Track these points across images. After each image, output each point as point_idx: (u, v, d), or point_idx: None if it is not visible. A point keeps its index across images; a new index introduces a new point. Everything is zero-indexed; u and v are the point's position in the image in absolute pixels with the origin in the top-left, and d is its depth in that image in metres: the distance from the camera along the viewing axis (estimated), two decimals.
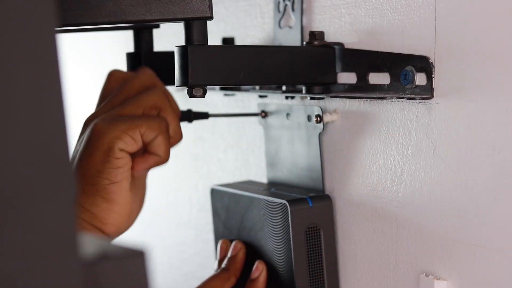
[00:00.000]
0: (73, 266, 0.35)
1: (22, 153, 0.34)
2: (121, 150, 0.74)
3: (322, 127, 0.83)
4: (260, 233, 0.84)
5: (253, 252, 0.86)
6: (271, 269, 0.83)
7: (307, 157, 0.85)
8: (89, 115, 0.79)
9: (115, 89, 0.79)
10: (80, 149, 0.75)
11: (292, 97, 0.88)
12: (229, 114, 0.94)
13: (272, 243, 0.83)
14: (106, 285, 0.36)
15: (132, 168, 0.75)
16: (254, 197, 0.85)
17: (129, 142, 0.74)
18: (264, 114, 0.91)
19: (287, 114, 0.87)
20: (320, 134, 0.83)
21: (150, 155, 0.76)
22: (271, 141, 0.91)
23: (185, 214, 1.12)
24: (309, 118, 0.84)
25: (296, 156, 0.87)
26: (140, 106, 0.76)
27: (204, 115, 0.88)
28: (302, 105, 0.85)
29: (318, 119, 0.82)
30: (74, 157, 0.77)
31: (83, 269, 0.35)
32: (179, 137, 0.79)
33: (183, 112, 0.86)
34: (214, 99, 1.02)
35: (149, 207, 1.16)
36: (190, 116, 0.87)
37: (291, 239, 0.80)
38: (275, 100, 0.91)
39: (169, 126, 0.77)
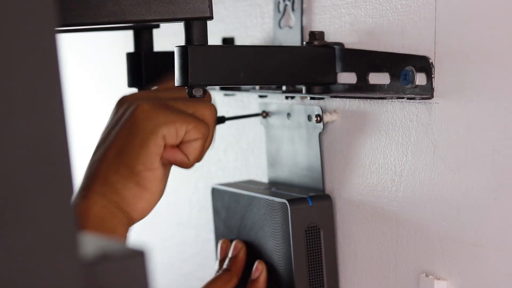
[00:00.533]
0: (73, 266, 0.35)
1: (22, 153, 0.34)
2: (163, 137, 0.72)
3: (322, 126, 0.83)
4: (260, 232, 0.84)
5: (253, 252, 0.86)
6: (271, 269, 0.83)
7: (307, 157, 0.85)
8: (128, 94, 0.77)
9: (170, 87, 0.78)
10: (118, 127, 0.74)
11: (292, 97, 0.88)
12: (238, 116, 0.92)
13: (272, 242, 0.83)
14: (106, 285, 0.36)
15: None
16: (254, 196, 0.85)
17: (173, 133, 0.72)
18: (265, 114, 0.91)
19: (288, 114, 0.87)
20: (320, 134, 0.83)
21: (179, 151, 0.74)
22: (272, 141, 0.91)
23: (185, 214, 1.12)
24: (309, 118, 0.84)
25: (297, 156, 0.87)
26: (191, 108, 0.75)
27: (221, 120, 0.86)
28: (302, 105, 0.85)
29: (318, 118, 0.83)
30: (106, 133, 0.75)
31: (83, 269, 0.35)
32: (202, 157, 0.77)
33: None
34: (214, 99, 1.02)
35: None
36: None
37: (291, 239, 0.80)
38: (276, 100, 0.91)
39: (208, 138, 0.76)
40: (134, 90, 0.90)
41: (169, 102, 0.74)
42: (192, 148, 0.74)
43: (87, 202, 0.71)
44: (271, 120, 0.90)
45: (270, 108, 0.91)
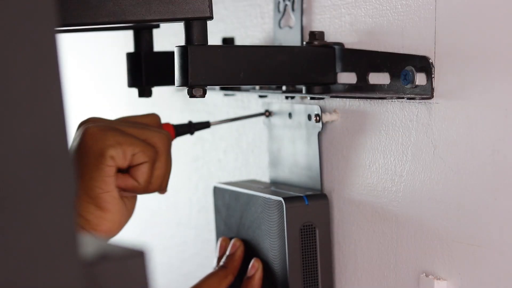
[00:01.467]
0: (73, 266, 0.35)
1: (22, 153, 0.34)
2: (112, 158, 0.74)
3: (321, 126, 0.83)
4: (257, 230, 0.85)
5: (251, 250, 0.86)
6: (267, 267, 0.84)
7: (306, 157, 0.86)
8: (86, 118, 0.79)
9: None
10: (72, 152, 0.75)
11: (292, 97, 0.88)
12: (230, 119, 0.94)
13: (268, 240, 0.83)
14: (106, 285, 0.36)
15: None
16: (253, 195, 0.85)
17: (120, 154, 0.74)
18: (268, 113, 0.91)
19: (289, 114, 0.88)
20: (319, 134, 0.83)
21: (129, 177, 0.76)
22: (274, 141, 0.91)
23: (185, 214, 1.12)
24: (309, 117, 0.84)
25: (297, 156, 0.87)
26: (143, 135, 0.77)
27: (205, 125, 0.88)
28: (303, 105, 0.85)
29: (317, 118, 0.83)
30: None
31: (83, 269, 0.35)
32: (159, 185, 0.79)
33: (183, 125, 0.86)
34: (214, 99, 1.02)
35: (149, 207, 1.16)
36: (191, 127, 0.87)
37: (286, 236, 0.80)
38: (278, 99, 0.91)
39: (157, 163, 0.77)
40: (134, 90, 0.90)
41: (119, 126, 0.76)
42: (140, 172, 0.76)
43: None
44: (273, 119, 0.91)
45: (272, 108, 0.91)
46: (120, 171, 0.77)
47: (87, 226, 0.75)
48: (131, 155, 0.75)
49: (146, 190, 0.78)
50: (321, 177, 0.84)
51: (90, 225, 0.75)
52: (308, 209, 0.81)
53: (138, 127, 0.77)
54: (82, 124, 0.78)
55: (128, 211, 0.79)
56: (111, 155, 0.74)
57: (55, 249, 0.34)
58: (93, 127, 0.75)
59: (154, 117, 0.82)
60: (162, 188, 0.79)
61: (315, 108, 0.83)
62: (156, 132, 0.78)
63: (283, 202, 0.80)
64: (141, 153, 0.75)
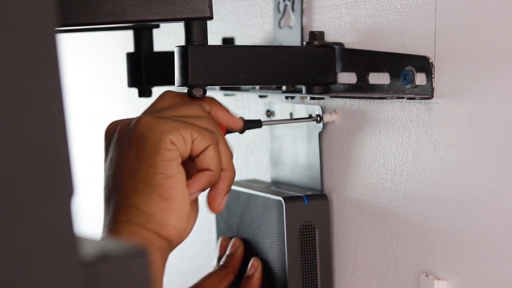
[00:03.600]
0: (73, 266, 0.35)
1: (22, 153, 0.34)
2: (172, 142, 0.67)
3: (322, 126, 0.83)
4: (257, 230, 0.85)
5: (251, 249, 0.86)
6: (266, 266, 0.84)
7: (307, 156, 0.86)
8: (113, 121, 0.72)
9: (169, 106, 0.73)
10: (123, 149, 0.69)
11: (292, 97, 0.88)
12: (284, 120, 0.88)
13: (267, 240, 0.83)
14: (106, 285, 0.36)
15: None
16: (253, 194, 0.85)
17: (180, 138, 0.67)
18: (269, 113, 0.91)
19: (291, 114, 0.88)
20: (320, 134, 0.83)
21: (201, 173, 0.69)
22: (276, 141, 0.91)
23: None
24: (310, 117, 0.84)
25: (297, 156, 0.87)
26: (192, 121, 0.70)
27: (257, 123, 0.79)
28: (304, 105, 0.85)
29: (318, 118, 0.83)
30: (113, 161, 0.70)
31: (83, 269, 0.35)
32: (229, 167, 0.71)
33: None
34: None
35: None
36: (244, 125, 0.78)
37: (285, 236, 0.80)
38: (279, 99, 0.91)
39: (220, 145, 0.70)
40: (134, 90, 0.90)
41: (168, 114, 0.70)
42: (208, 157, 0.68)
43: (113, 234, 0.66)
44: (275, 119, 0.91)
45: (274, 108, 0.91)
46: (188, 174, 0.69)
47: (152, 223, 0.66)
48: (190, 140, 0.67)
49: (221, 176, 0.70)
50: (321, 177, 0.84)
51: (155, 221, 0.66)
52: (307, 209, 0.81)
53: (187, 118, 0.70)
54: (110, 128, 0.71)
55: (196, 205, 0.72)
56: (170, 139, 0.66)
57: (55, 249, 0.34)
58: (144, 117, 0.68)
59: (200, 109, 0.74)
60: (234, 173, 0.72)
61: (316, 108, 0.83)
62: (203, 119, 0.71)
63: (283, 201, 0.80)
64: (200, 137, 0.67)
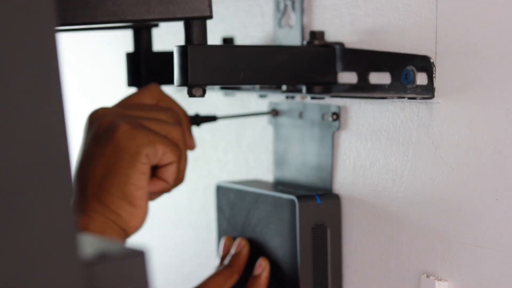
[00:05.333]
0: (73, 266, 0.34)
1: (22, 153, 0.34)
2: (147, 156, 0.76)
3: (338, 125, 0.82)
4: (265, 229, 0.84)
5: (256, 249, 0.86)
6: (275, 266, 0.84)
7: (317, 156, 0.85)
8: (99, 108, 0.80)
9: (147, 104, 0.82)
10: (100, 146, 0.77)
11: (292, 97, 0.88)
12: (237, 115, 0.94)
13: (277, 239, 0.83)
14: (106, 285, 0.36)
15: None
16: (262, 194, 0.85)
17: (154, 152, 0.76)
18: (275, 113, 0.91)
19: (300, 113, 0.87)
20: (334, 133, 0.83)
21: (158, 180, 0.79)
22: (281, 140, 0.91)
23: (185, 214, 1.12)
24: (323, 116, 0.84)
25: (306, 156, 0.87)
26: (163, 130, 0.79)
27: (211, 118, 0.89)
28: (317, 104, 0.85)
29: (335, 116, 0.82)
30: (87, 149, 0.78)
31: (83, 269, 0.35)
32: (182, 178, 0.82)
33: (190, 117, 0.87)
34: (214, 99, 1.02)
35: (149, 207, 1.16)
36: (198, 120, 0.88)
37: (298, 236, 0.80)
38: (288, 99, 0.91)
39: (181, 160, 0.80)
40: (133, 89, 0.90)
41: (143, 122, 0.78)
42: (170, 172, 0.79)
43: (86, 219, 0.76)
44: (281, 119, 0.90)
45: (281, 107, 0.90)
46: None
47: (121, 222, 0.76)
48: (162, 153, 0.77)
49: (173, 187, 0.81)
50: (332, 177, 0.84)
51: (121, 221, 0.76)
52: (320, 208, 0.81)
53: (157, 122, 0.79)
54: (95, 115, 0.79)
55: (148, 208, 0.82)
56: (146, 153, 0.76)
57: (55, 249, 0.34)
58: (123, 124, 0.76)
59: (178, 108, 0.84)
60: (182, 180, 0.83)
61: (331, 107, 0.83)
62: (174, 127, 0.80)
63: (296, 201, 0.80)
64: (171, 152, 0.77)
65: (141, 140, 0.76)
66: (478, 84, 0.67)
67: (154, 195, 0.82)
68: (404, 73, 0.72)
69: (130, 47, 0.91)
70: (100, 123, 0.78)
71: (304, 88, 0.81)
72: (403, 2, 0.74)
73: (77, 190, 0.78)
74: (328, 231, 0.81)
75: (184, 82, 0.72)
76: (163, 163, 0.78)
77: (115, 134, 0.76)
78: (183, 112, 0.85)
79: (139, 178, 0.76)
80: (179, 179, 0.81)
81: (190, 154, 1.09)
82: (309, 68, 0.79)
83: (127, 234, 0.78)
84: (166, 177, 0.79)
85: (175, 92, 1.10)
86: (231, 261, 0.86)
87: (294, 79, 0.79)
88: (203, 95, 0.73)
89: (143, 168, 0.76)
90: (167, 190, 0.81)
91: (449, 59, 0.69)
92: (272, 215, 0.83)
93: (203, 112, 0.95)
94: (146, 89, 0.83)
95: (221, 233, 0.92)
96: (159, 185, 0.79)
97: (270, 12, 0.91)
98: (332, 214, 0.82)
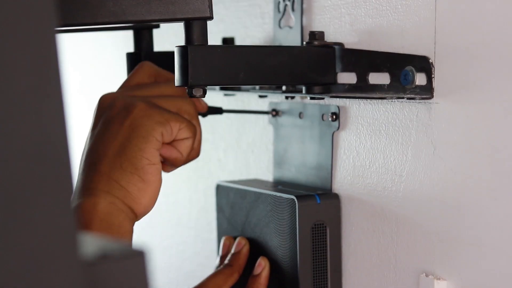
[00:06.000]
0: (73, 266, 0.35)
1: (22, 153, 0.34)
2: (161, 134, 0.77)
3: (337, 125, 0.82)
4: (265, 229, 0.85)
5: (256, 249, 0.86)
6: (275, 265, 0.84)
7: (317, 156, 0.85)
8: (106, 93, 0.80)
9: (148, 83, 0.83)
10: (115, 125, 0.77)
11: (292, 97, 0.88)
12: (242, 110, 0.95)
13: (277, 239, 0.83)
14: (106, 285, 0.36)
15: None
16: (261, 193, 0.85)
17: (169, 131, 0.77)
18: (275, 113, 0.91)
19: (300, 113, 0.87)
20: (334, 133, 0.83)
21: (174, 148, 0.79)
22: (281, 140, 0.91)
23: (185, 214, 1.12)
24: (323, 116, 0.84)
25: (306, 155, 0.87)
26: (175, 106, 0.79)
27: (218, 110, 0.90)
28: (317, 104, 0.85)
29: (334, 117, 0.82)
30: (99, 132, 0.78)
31: (83, 269, 0.35)
32: (198, 152, 0.83)
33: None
34: (214, 99, 1.02)
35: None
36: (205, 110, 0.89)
37: (297, 235, 0.80)
38: (288, 99, 0.91)
39: (197, 136, 0.81)
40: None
41: (156, 101, 0.79)
42: (185, 146, 0.79)
43: (94, 200, 0.74)
44: (281, 119, 0.90)
45: (281, 107, 0.90)
46: None
47: (129, 198, 0.75)
48: (177, 130, 0.78)
49: (186, 161, 0.81)
50: (331, 177, 0.84)
51: (131, 198, 0.76)
52: (319, 208, 0.81)
53: (168, 99, 0.80)
54: (105, 101, 0.80)
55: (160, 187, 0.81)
56: (161, 131, 0.76)
57: (55, 249, 0.34)
58: (140, 103, 0.77)
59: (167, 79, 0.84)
60: (198, 155, 0.84)
61: (331, 107, 0.83)
62: (184, 100, 0.81)
63: (295, 200, 0.80)
64: (185, 128, 0.78)
65: (157, 118, 0.76)
66: (477, 84, 0.67)
67: (167, 167, 0.81)
68: (403, 73, 0.72)
69: (130, 47, 0.91)
70: (113, 106, 0.78)
71: (304, 88, 0.81)
72: (402, 3, 0.74)
73: (86, 172, 0.77)
74: (328, 230, 0.81)
75: (184, 82, 0.73)
76: (179, 138, 0.78)
77: (131, 113, 0.76)
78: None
79: (153, 153, 0.76)
80: (194, 153, 0.82)
81: None
82: (308, 68, 0.79)
83: (135, 214, 0.77)
84: (181, 149, 0.79)
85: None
86: (231, 260, 0.86)
87: (293, 80, 0.80)
88: (203, 95, 0.73)
89: (158, 144, 0.76)
90: (179, 162, 0.80)
91: (448, 59, 0.70)
92: (272, 215, 0.83)
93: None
94: (140, 69, 0.83)
95: (221, 232, 0.92)
96: (174, 153, 0.79)
97: (270, 13, 0.91)
98: (331, 214, 0.82)
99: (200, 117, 0.88)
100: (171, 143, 0.79)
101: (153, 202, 0.78)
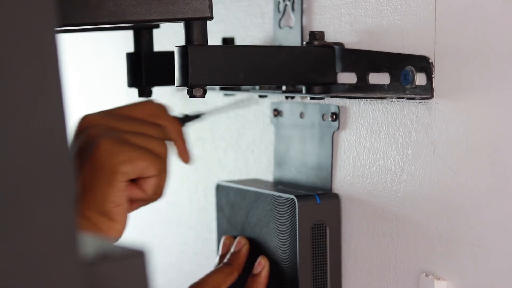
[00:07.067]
0: (73, 266, 0.35)
1: (22, 153, 0.34)
2: (125, 174, 0.75)
3: (337, 125, 0.82)
4: (265, 228, 0.85)
5: (256, 248, 0.86)
6: (274, 265, 0.84)
7: (317, 156, 0.85)
8: (87, 115, 0.79)
9: (138, 118, 0.81)
10: (80, 160, 0.76)
11: (292, 97, 0.88)
12: (221, 108, 0.94)
13: (277, 238, 0.83)
14: (106, 285, 0.36)
15: None
16: (261, 193, 0.85)
17: (133, 169, 0.76)
18: (276, 112, 0.91)
19: (301, 113, 0.87)
20: (334, 133, 0.83)
21: (137, 188, 0.78)
22: (282, 140, 0.91)
23: (185, 214, 1.12)
24: (323, 116, 0.84)
25: (306, 155, 0.87)
26: (148, 144, 0.78)
27: (196, 116, 0.88)
28: (317, 104, 0.85)
29: (334, 117, 0.82)
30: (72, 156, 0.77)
31: (83, 269, 0.35)
32: (161, 193, 0.81)
33: (178, 118, 0.86)
34: (214, 99, 1.02)
35: (149, 207, 1.16)
36: (184, 120, 0.87)
37: (297, 235, 0.80)
38: (289, 99, 0.91)
39: (162, 174, 0.79)
40: (134, 90, 0.90)
41: (128, 137, 0.77)
42: (149, 185, 0.78)
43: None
44: (282, 119, 0.90)
45: (282, 107, 0.90)
46: None
47: (98, 232, 0.77)
48: (143, 168, 0.76)
49: (151, 200, 0.80)
50: (331, 177, 0.84)
51: (102, 232, 0.77)
52: (319, 208, 0.81)
53: (143, 136, 0.78)
54: (83, 125, 0.79)
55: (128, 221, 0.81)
56: (125, 171, 0.75)
57: (55, 249, 0.34)
58: (105, 141, 0.76)
59: (153, 109, 0.82)
60: (161, 195, 0.82)
61: (331, 107, 0.83)
62: (158, 142, 0.79)
63: (295, 200, 0.80)
64: (151, 167, 0.76)
65: (121, 157, 0.75)
66: (477, 84, 0.67)
67: (134, 205, 0.81)
68: (403, 73, 0.72)
69: (130, 48, 0.91)
70: (87, 135, 0.77)
71: (304, 88, 0.81)
72: (402, 3, 0.74)
73: None
74: (328, 230, 0.81)
75: (184, 82, 0.73)
76: (143, 175, 0.77)
77: (95, 151, 0.76)
78: (178, 128, 0.84)
79: (117, 196, 0.76)
80: (158, 193, 0.80)
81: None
82: (308, 68, 0.79)
83: None
84: (145, 188, 0.78)
85: (175, 92, 1.10)
86: (230, 259, 0.87)
87: (294, 80, 0.80)
88: (203, 95, 0.73)
89: (121, 186, 0.76)
90: (145, 200, 0.80)
91: (448, 59, 0.70)
92: (271, 214, 0.84)
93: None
94: (140, 103, 0.82)
95: (221, 232, 0.92)
96: (137, 193, 0.78)
97: (270, 13, 0.91)
98: (331, 214, 0.82)
99: (199, 119, 0.88)
100: (136, 181, 0.78)
101: (121, 234, 0.79)
